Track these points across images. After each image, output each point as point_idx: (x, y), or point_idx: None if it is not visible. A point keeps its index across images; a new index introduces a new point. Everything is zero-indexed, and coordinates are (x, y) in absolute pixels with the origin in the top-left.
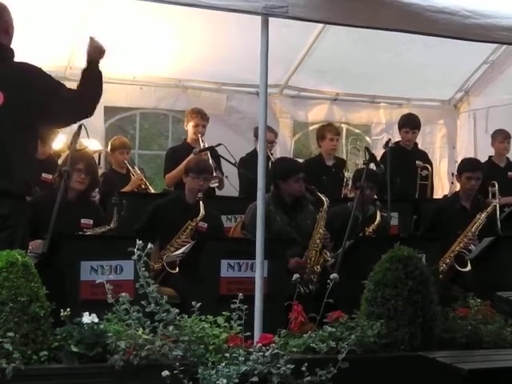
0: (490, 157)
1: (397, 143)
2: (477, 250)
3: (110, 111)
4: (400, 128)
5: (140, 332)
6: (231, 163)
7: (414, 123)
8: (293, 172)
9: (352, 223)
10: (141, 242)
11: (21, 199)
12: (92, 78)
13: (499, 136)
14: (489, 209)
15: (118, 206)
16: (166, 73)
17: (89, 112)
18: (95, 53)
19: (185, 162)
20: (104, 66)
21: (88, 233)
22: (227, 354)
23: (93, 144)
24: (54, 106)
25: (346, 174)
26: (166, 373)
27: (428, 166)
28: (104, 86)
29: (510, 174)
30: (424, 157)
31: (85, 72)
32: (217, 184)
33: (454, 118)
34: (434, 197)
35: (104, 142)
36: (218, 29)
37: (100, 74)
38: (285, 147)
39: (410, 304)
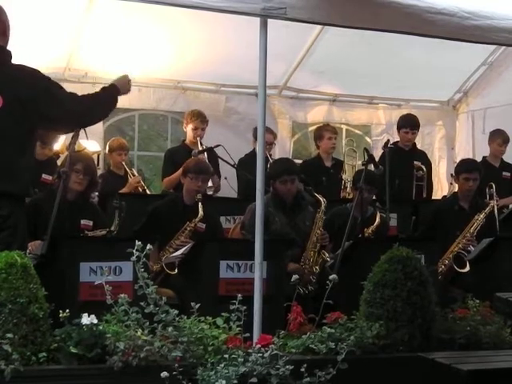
0: (485, 157)
1: (395, 144)
2: (476, 251)
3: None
4: (399, 128)
5: (139, 333)
6: (230, 164)
7: (414, 123)
8: (283, 172)
9: (351, 224)
10: (140, 243)
11: (20, 200)
12: (107, 96)
13: (499, 138)
14: (487, 209)
15: (119, 209)
16: (165, 74)
17: (85, 120)
18: (124, 88)
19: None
20: (103, 67)
21: (89, 234)
22: (226, 355)
23: (92, 145)
24: (53, 107)
25: (343, 176)
26: (165, 374)
27: (423, 166)
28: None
29: (504, 173)
30: (423, 157)
31: (104, 89)
32: (211, 192)
33: (453, 119)
34: (433, 198)
35: (103, 143)
36: (216, 30)
37: (115, 100)
38: (284, 148)
39: (409, 305)
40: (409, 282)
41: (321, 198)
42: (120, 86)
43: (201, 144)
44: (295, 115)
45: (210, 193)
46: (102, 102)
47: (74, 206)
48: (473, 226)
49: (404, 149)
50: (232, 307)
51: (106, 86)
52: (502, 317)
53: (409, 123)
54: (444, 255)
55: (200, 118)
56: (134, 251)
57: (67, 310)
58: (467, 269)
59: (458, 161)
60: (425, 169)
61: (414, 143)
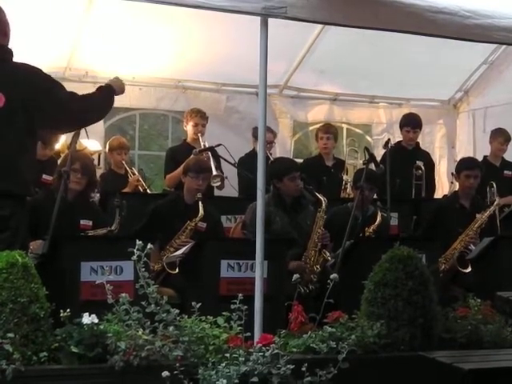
0: (485, 156)
1: (398, 143)
2: (476, 250)
3: (109, 112)
4: (401, 127)
5: (140, 332)
6: (231, 163)
7: (416, 122)
8: (287, 171)
9: (352, 223)
10: (140, 242)
11: (21, 200)
12: (104, 96)
13: (500, 137)
14: (492, 208)
15: (119, 208)
16: (165, 73)
17: (85, 120)
18: (119, 88)
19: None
20: (104, 66)
21: (90, 234)
22: (227, 355)
23: (92, 144)
24: (54, 106)
25: (344, 176)
26: (166, 373)
27: (421, 165)
28: None
29: (505, 172)
30: (426, 157)
31: (101, 88)
32: (219, 183)
33: (454, 117)
34: (434, 196)
35: (104, 143)
36: (217, 29)
37: (112, 100)
38: (284, 147)
39: (409, 304)
40: (410, 282)
41: (321, 197)
42: (115, 87)
43: (202, 141)
44: (296, 114)
45: (217, 184)
46: (100, 102)
47: (73, 205)
48: (476, 224)
49: (407, 148)
50: (233, 306)
51: (103, 85)
52: (502, 316)
53: (410, 122)
54: (446, 252)
55: (200, 114)
56: (135, 250)
57: (68, 310)
58: (469, 269)
59: (458, 160)
60: (423, 168)
61: (418, 143)
